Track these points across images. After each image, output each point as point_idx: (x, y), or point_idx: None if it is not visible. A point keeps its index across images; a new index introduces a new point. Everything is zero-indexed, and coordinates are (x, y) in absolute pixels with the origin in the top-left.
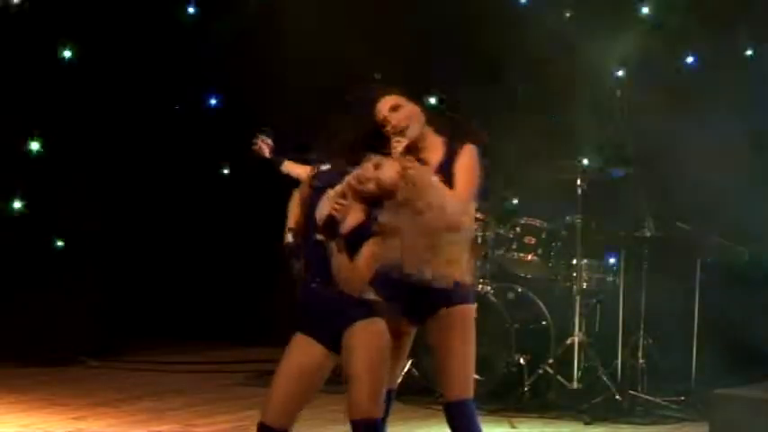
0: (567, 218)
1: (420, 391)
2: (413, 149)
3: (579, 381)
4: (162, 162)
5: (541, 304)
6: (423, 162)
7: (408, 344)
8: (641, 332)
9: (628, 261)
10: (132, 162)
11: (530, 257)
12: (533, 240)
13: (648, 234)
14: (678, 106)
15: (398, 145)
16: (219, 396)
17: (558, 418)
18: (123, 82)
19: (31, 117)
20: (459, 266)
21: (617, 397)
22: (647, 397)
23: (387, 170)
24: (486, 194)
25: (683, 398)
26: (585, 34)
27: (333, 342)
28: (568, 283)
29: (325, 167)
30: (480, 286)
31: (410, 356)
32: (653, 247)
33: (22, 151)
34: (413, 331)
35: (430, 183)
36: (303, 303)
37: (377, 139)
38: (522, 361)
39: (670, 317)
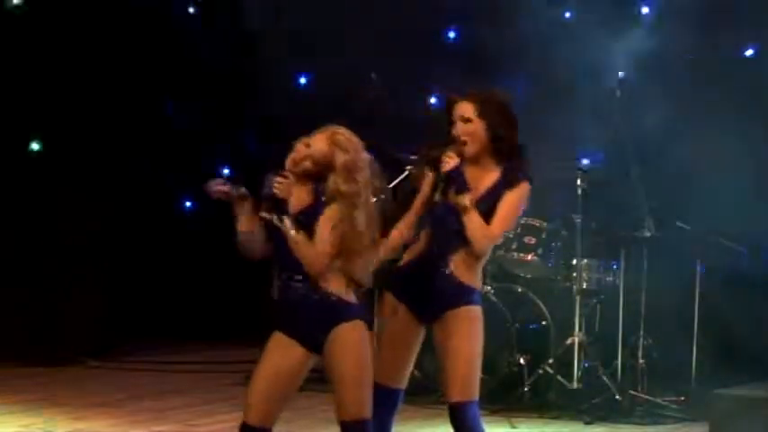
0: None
1: (421, 391)
2: (467, 165)
3: (579, 381)
4: (162, 163)
5: (541, 304)
6: (467, 183)
7: (417, 345)
8: (641, 332)
9: (628, 261)
10: (133, 162)
11: (530, 257)
12: (533, 240)
13: (648, 234)
14: (679, 106)
15: (450, 161)
16: (219, 396)
17: (558, 418)
18: (124, 81)
19: (32, 117)
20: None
21: (617, 397)
22: (647, 397)
23: (316, 143)
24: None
25: (683, 398)
26: (587, 33)
27: (314, 344)
28: (568, 283)
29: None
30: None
31: None
32: (653, 247)
33: (22, 151)
34: (421, 332)
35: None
36: (282, 303)
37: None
38: (522, 361)
39: (670, 317)
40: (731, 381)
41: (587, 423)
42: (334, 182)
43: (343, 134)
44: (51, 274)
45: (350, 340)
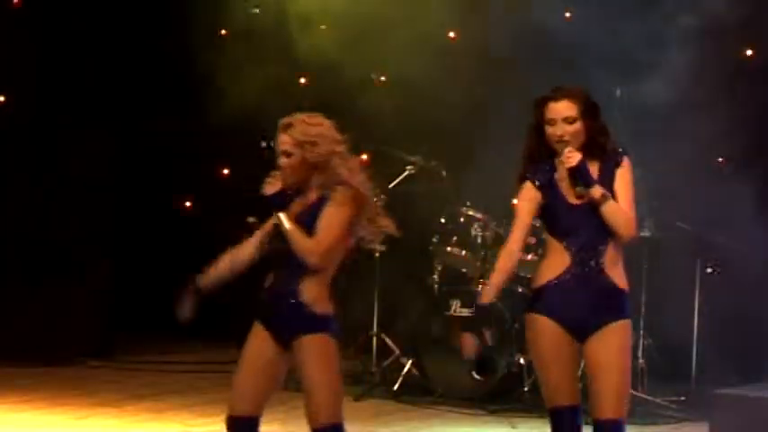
0: None
1: (420, 391)
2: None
3: (579, 381)
4: (162, 163)
5: None
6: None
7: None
8: (641, 332)
9: (628, 261)
10: (133, 163)
11: (530, 257)
12: (533, 240)
13: (648, 234)
14: (677, 105)
15: (574, 155)
16: (219, 396)
17: None
18: (128, 81)
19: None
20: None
21: None
22: (647, 397)
23: (291, 150)
24: None
25: (683, 398)
26: (586, 33)
27: (282, 342)
28: None
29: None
30: (480, 286)
31: (410, 356)
32: (653, 247)
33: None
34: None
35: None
36: (264, 296)
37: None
38: (522, 361)
39: (670, 317)
40: (731, 381)
41: (587, 423)
42: (322, 178)
43: (300, 126)
44: (51, 274)
45: (315, 349)
